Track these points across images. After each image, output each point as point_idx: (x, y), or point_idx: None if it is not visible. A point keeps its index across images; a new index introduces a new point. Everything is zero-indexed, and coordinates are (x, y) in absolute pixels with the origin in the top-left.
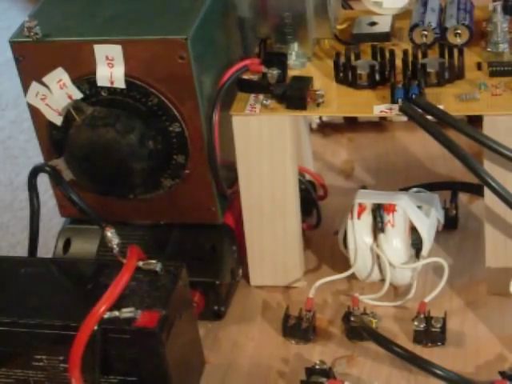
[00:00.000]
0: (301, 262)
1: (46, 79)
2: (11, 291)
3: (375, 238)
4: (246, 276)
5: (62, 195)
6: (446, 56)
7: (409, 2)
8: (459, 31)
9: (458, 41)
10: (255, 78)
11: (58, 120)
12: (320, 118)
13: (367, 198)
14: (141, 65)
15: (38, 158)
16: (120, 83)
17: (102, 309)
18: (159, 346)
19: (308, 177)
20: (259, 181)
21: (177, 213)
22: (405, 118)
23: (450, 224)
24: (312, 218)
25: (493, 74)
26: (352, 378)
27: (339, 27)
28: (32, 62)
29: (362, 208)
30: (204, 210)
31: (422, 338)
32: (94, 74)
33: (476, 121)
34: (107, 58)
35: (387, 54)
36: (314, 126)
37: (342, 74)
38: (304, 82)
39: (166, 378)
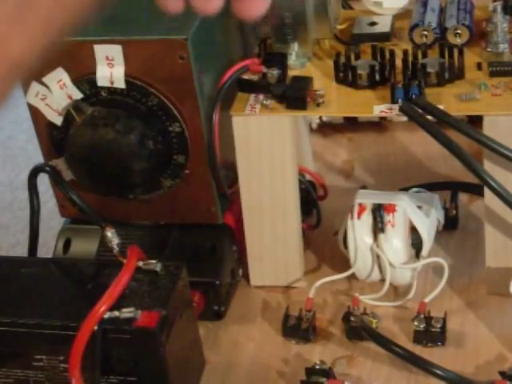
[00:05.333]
0: (301, 262)
1: (46, 79)
2: (11, 291)
3: (375, 237)
4: (246, 276)
5: (62, 195)
6: (446, 56)
7: (409, 1)
8: (459, 31)
9: (458, 41)
10: (255, 78)
11: (58, 120)
12: (320, 117)
13: (367, 198)
14: (141, 65)
15: (38, 158)
16: (120, 83)
17: (102, 309)
18: (159, 346)
19: (308, 177)
20: (259, 181)
21: (177, 213)
22: (405, 118)
23: (450, 224)
24: (312, 218)
25: (493, 74)
26: (352, 378)
27: (339, 27)
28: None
29: (362, 208)
30: (204, 210)
31: (421, 338)
32: (94, 73)
33: (476, 121)
34: (107, 58)
35: (387, 54)
36: (314, 125)
37: (341, 74)
38: (304, 82)
39: (166, 378)
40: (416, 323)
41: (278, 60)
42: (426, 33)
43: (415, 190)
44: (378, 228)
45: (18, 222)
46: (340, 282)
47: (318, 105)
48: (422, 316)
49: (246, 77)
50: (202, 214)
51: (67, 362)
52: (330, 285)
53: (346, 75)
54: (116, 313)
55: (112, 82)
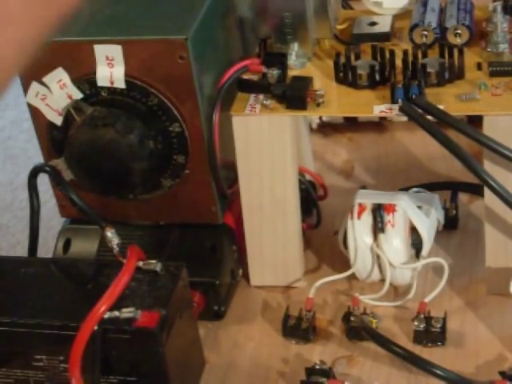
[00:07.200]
0: (301, 262)
1: (46, 79)
2: (11, 291)
3: (375, 237)
4: (246, 276)
5: (62, 195)
6: (446, 56)
7: (409, 1)
8: (459, 31)
9: (458, 41)
10: (255, 78)
11: (58, 120)
12: (320, 118)
13: (367, 198)
14: (141, 65)
15: (38, 158)
16: (120, 83)
17: (102, 309)
18: (159, 346)
19: (308, 177)
20: (259, 181)
21: (177, 213)
22: (405, 118)
23: (450, 224)
24: (312, 218)
25: (493, 74)
26: (352, 378)
27: (339, 27)
28: (32, 61)
29: (361, 208)
30: (204, 210)
31: (421, 338)
32: (94, 74)
33: (476, 121)
34: (107, 58)
35: (387, 54)
36: (314, 125)
37: (342, 74)
38: (304, 81)
39: (165, 378)
40: (416, 323)
41: (278, 60)
42: (426, 33)
43: (415, 190)
44: (378, 228)
45: (18, 222)
46: (340, 282)
47: (318, 105)
48: (422, 316)
49: (246, 77)
50: (202, 214)
51: (67, 362)
52: (329, 285)
53: (345, 75)
54: (116, 313)
55: (112, 82)
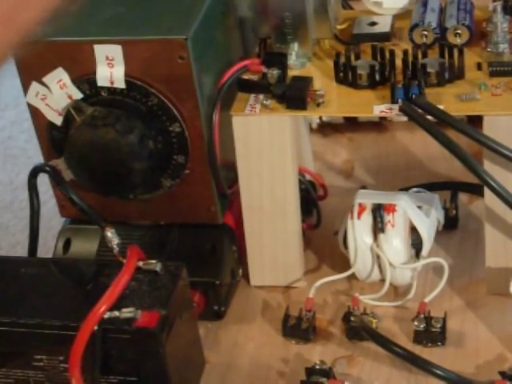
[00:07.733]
0: (301, 262)
1: (46, 79)
2: (11, 291)
3: (375, 237)
4: (246, 276)
5: (62, 195)
6: (446, 56)
7: (409, 1)
8: (459, 31)
9: (458, 41)
10: (255, 78)
11: (58, 120)
12: (320, 117)
13: (367, 198)
14: (141, 65)
15: (38, 158)
16: (120, 83)
17: (102, 309)
18: (159, 346)
19: (308, 177)
20: (259, 181)
21: (177, 213)
22: (405, 118)
23: (450, 224)
24: (312, 218)
25: (493, 74)
26: (352, 378)
27: (339, 27)
28: (32, 61)
29: (361, 208)
30: (204, 210)
31: (421, 338)
32: (94, 74)
33: (476, 121)
34: (107, 58)
35: (387, 54)
36: (314, 125)
37: (342, 74)
38: (304, 81)
39: (166, 377)
40: (416, 323)
41: (278, 60)
42: (426, 33)
43: (415, 190)
44: (378, 228)
45: (18, 222)
46: (340, 282)
47: (318, 105)
48: (422, 316)
49: (245, 77)
50: (202, 214)
51: (67, 362)
52: (329, 285)
53: (346, 75)
54: (116, 313)
55: (112, 82)
